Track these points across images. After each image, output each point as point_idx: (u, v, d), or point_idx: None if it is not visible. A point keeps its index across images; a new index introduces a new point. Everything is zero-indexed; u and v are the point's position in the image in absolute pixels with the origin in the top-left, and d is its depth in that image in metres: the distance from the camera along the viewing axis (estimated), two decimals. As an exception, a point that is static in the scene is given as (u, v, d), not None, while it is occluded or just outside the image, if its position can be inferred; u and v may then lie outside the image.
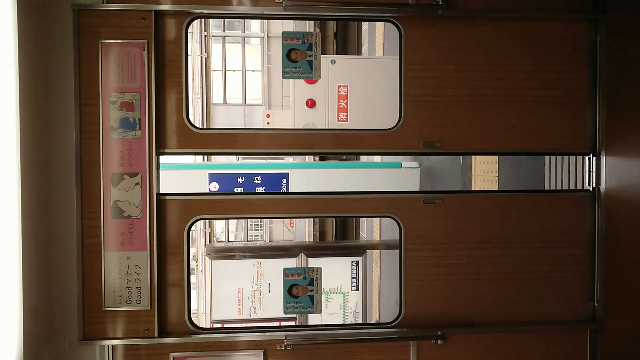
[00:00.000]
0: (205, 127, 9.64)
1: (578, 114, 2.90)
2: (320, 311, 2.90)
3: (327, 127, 5.68)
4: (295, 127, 5.83)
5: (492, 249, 2.90)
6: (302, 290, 2.90)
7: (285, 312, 2.91)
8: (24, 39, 2.35)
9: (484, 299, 2.90)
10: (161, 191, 2.74)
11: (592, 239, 2.92)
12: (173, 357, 2.75)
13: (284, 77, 2.86)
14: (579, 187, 2.97)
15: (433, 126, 2.84)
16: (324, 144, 2.83)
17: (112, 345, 2.72)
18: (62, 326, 2.65)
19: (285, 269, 2.92)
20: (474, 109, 2.85)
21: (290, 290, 2.90)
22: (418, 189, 6.90)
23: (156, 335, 2.71)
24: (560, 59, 2.89)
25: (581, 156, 2.94)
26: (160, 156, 2.74)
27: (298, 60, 2.83)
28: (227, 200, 2.80)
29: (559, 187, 4.69)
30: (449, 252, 2.88)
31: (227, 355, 2.79)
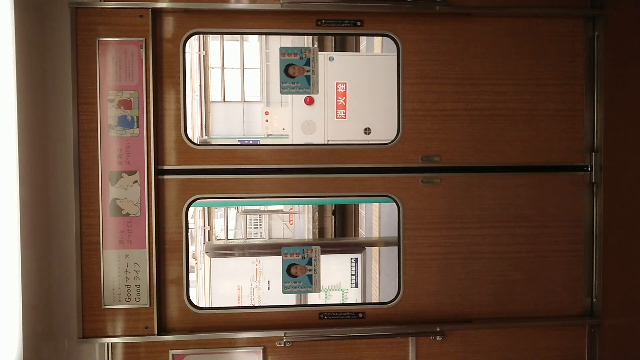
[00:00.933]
0: (204, 125, 9.64)
1: (576, 127, 2.91)
2: (318, 290, 2.93)
3: (325, 125, 5.69)
4: (294, 127, 5.84)
5: (490, 229, 2.91)
6: (300, 270, 2.92)
7: (283, 292, 2.92)
8: (21, 37, 2.35)
9: (481, 278, 2.91)
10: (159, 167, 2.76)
11: (590, 221, 2.94)
12: (172, 355, 2.76)
13: (282, 93, 2.88)
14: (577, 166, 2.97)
15: (431, 140, 2.86)
16: (321, 159, 2.84)
17: (112, 343, 2.73)
18: (62, 324, 2.66)
19: (283, 249, 2.93)
20: (472, 122, 2.87)
21: (288, 270, 2.92)
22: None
23: (155, 332, 2.72)
24: (556, 63, 2.89)
25: (582, 172, 2.95)
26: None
27: (296, 75, 2.86)
28: (225, 180, 2.80)
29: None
30: (446, 231, 2.89)
31: (226, 352, 2.80)
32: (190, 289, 2.83)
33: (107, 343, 2.72)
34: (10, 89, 2.31)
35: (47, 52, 2.60)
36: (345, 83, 5.60)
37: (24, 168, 2.37)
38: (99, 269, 2.69)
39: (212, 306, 5.64)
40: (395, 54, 2.85)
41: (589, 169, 2.93)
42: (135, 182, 2.69)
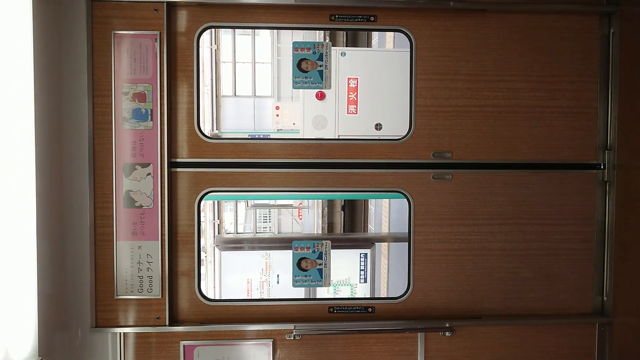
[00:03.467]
0: (215, 119, 9.67)
1: (589, 125, 2.90)
2: (328, 285, 2.94)
3: (337, 120, 5.70)
4: (305, 122, 5.85)
5: (501, 226, 2.91)
6: (311, 264, 2.93)
7: (294, 286, 2.94)
8: (39, 30, 2.38)
9: (491, 274, 2.91)
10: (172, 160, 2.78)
11: (602, 219, 2.93)
12: (183, 345, 2.80)
13: (294, 87, 2.89)
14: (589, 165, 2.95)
15: (443, 136, 2.86)
16: (333, 153, 2.85)
17: (124, 332, 2.76)
18: (75, 314, 2.70)
19: (294, 242, 2.95)
20: (484, 119, 2.86)
21: (299, 264, 2.94)
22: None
23: (167, 323, 2.76)
24: (571, 60, 2.87)
25: (594, 170, 2.94)
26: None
27: (309, 70, 2.86)
28: (237, 174, 2.82)
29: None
30: (457, 227, 2.89)
31: (236, 344, 2.82)
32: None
33: (120, 333, 2.76)
34: (28, 81, 2.34)
35: (64, 45, 2.62)
36: (357, 78, 5.60)
37: (40, 159, 2.40)
38: (112, 260, 2.72)
39: (222, 299, 5.68)
40: (408, 49, 2.85)
41: (602, 167, 2.91)
42: (149, 174, 2.71)
